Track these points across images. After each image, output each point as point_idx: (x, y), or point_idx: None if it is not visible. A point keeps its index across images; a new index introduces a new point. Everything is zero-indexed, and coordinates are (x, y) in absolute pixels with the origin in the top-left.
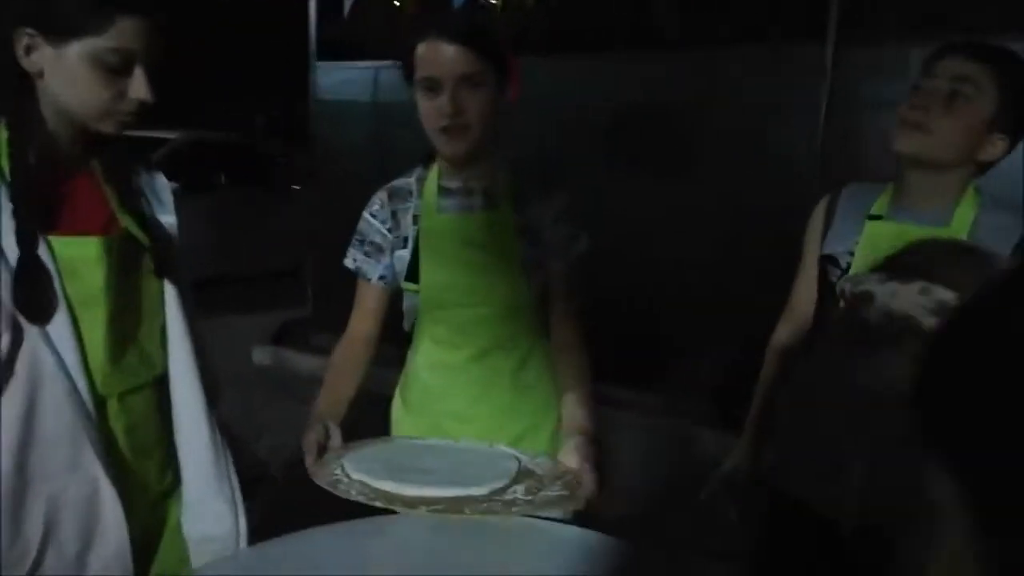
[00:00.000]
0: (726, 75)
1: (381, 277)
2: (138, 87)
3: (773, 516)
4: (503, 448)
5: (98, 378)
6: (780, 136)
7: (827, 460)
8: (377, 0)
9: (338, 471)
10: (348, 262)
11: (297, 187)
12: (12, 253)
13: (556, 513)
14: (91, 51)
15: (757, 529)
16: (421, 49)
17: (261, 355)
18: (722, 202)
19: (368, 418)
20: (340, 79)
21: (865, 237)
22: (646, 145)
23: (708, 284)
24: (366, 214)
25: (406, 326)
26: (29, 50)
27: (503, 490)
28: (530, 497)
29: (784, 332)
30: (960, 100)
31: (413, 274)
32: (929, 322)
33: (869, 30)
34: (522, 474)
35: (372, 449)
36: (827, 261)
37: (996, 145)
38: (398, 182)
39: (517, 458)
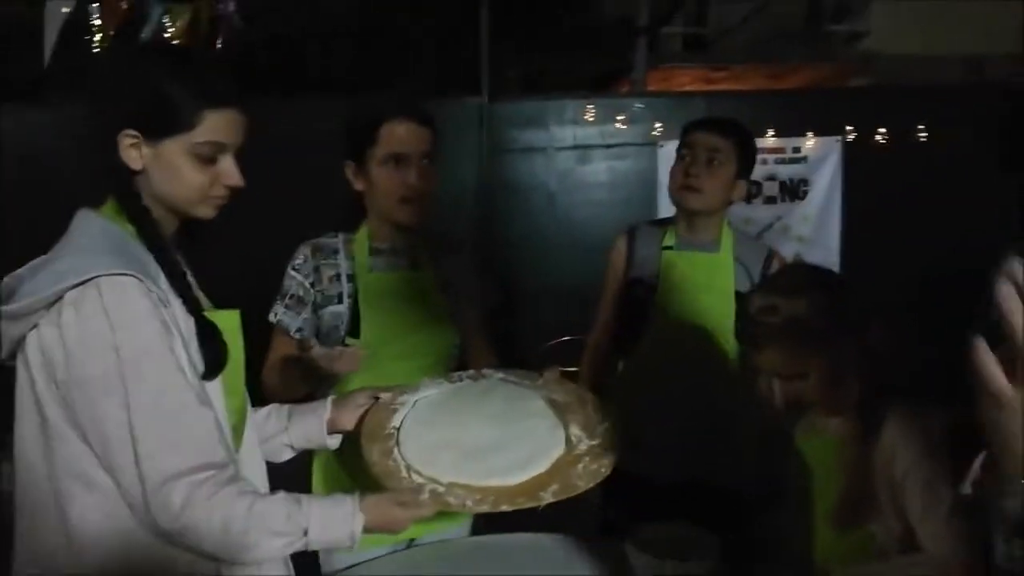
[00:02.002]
0: None
1: (299, 329)
2: (230, 173)
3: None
4: (514, 384)
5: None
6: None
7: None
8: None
9: (403, 470)
10: (271, 316)
11: None
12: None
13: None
14: (186, 146)
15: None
16: (388, 128)
17: None
18: None
19: None
20: None
21: (664, 262)
22: None
23: None
24: (289, 269)
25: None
26: (131, 150)
27: (569, 446)
28: (594, 441)
29: (595, 339)
30: (716, 164)
31: (354, 329)
32: (817, 320)
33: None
34: (558, 411)
35: (417, 430)
36: (636, 283)
37: (740, 188)
38: (322, 240)
39: (539, 396)
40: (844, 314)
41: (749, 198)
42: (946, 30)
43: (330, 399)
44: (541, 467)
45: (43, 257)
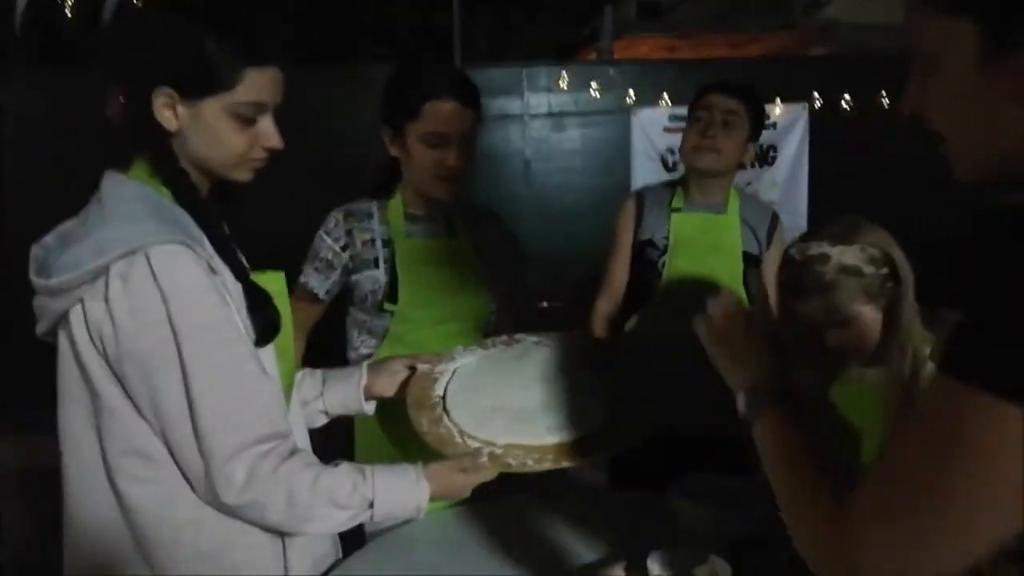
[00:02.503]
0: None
1: (328, 292)
2: (269, 135)
3: None
4: (548, 347)
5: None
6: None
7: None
8: None
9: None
10: (301, 277)
11: None
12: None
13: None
14: (226, 106)
15: None
16: (433, 106)
17: None
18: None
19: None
20: None
21: (674, 225)
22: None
23: None
24: (321, 233)
25: (351, 353)
26: (166, 109)
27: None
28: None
29: (605, 303)
30: (731, 126)
31: (391, 295)
32: (868, 269)
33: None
34: (595, 370)
35: (462, 397)
36: (646, 245)
37: (750, 151)
38: (355, 205)
39: (574, 356)
40: (892, 264)
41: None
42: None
43: (365, 365)
44: (593, 423)
45: (70, 223)
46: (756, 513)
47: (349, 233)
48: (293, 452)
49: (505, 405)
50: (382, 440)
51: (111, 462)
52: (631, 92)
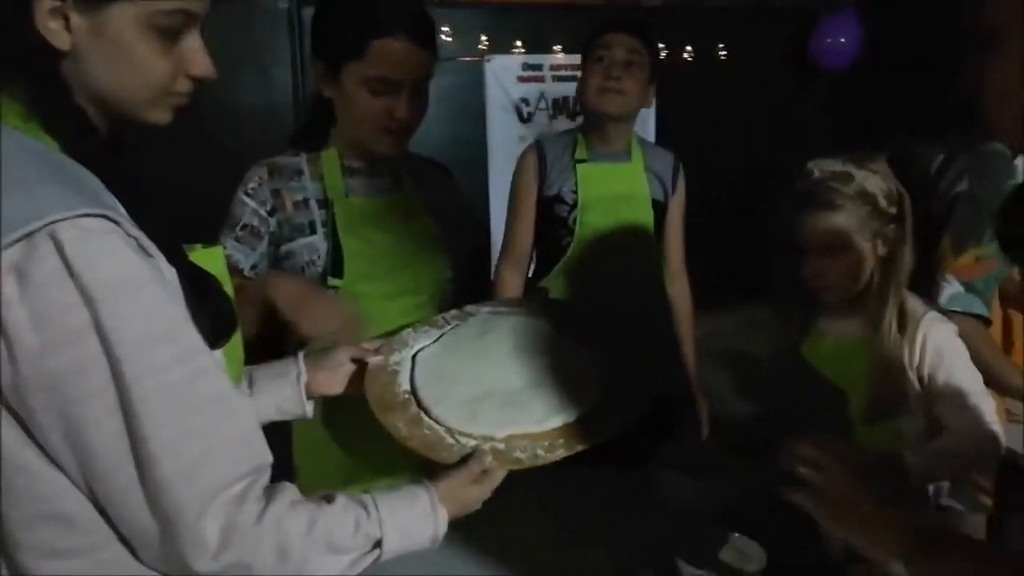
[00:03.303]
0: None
1: (253, 267)
2: (197, 58)
3: None
4: (507, 315)
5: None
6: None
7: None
8: None
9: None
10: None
11: None
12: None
13: None
14: (143, 14)
15: None
16: (381, 44)
17: None
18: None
19: None
20: None
21: (581, 177)
22: None
23: None
24: (240, 194)
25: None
26: (53, 18)
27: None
28: None
29: (510, 267)
30: (635, 67)
31: (335, 267)
32: (883, 203)
33: None
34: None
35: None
36: (553, 200)
37: (651, 93)
38: (280, 159)
39: (542, 323)
40: (903, 206)
41: (569, 113)
42: None
43: (301, 358)
44: (591, 397)
45: None
46: (742, 482)
47: (276, 194)
48: (277, 488)
49: (488, 391)
50: (328, 444)
51: (14, 536)
52: (483, 38)
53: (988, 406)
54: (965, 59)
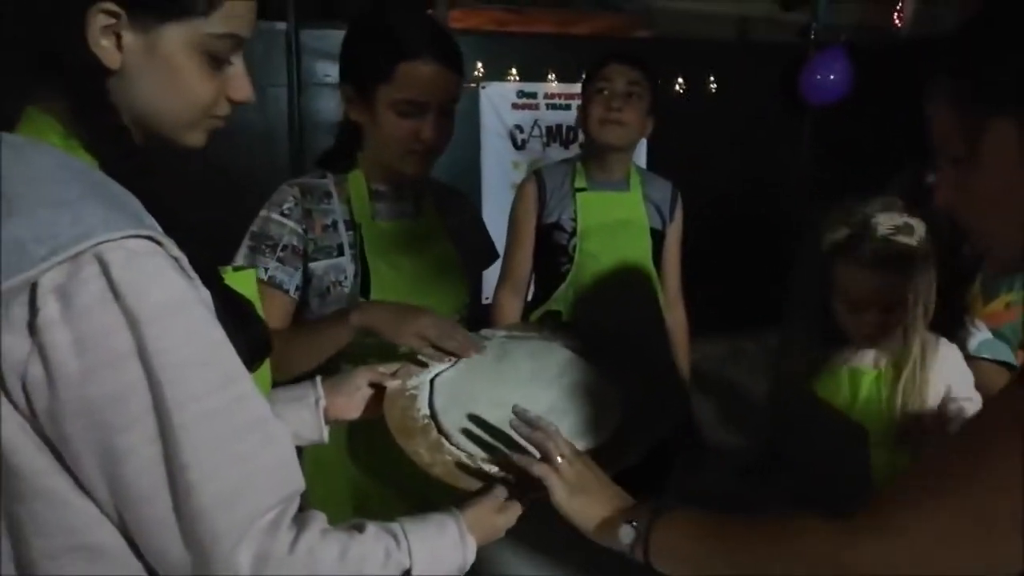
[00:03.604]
0: None
1: (297, 288)
2: (241, 83)
3: None
4: (522, 339)
5: None
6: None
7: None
8: None
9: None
10: (260, 273)
11: None
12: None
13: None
14: (195, 37)
15: None
16: (409, 67)
17: None
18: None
19: None
20: None
21: (581, 204)
22: None
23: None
24: (274, 214)
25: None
26: (106, 36)
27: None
28: None
29: (509, 294)
30: (635, 98)
31: (364, 290)
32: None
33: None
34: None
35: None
36: (553, 228)
37: (649, 124)
38: (309, 180)
39: (558, 346)
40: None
41: (563, 141)
42: None
43: (319, 382)
44: (615, 420)
45: None
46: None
47: (308, 215)
48: (301, 515)
49: (509, 416)
50: (336, 465)
51: (41, 566)
52: (479, 65)
53: None
54: None
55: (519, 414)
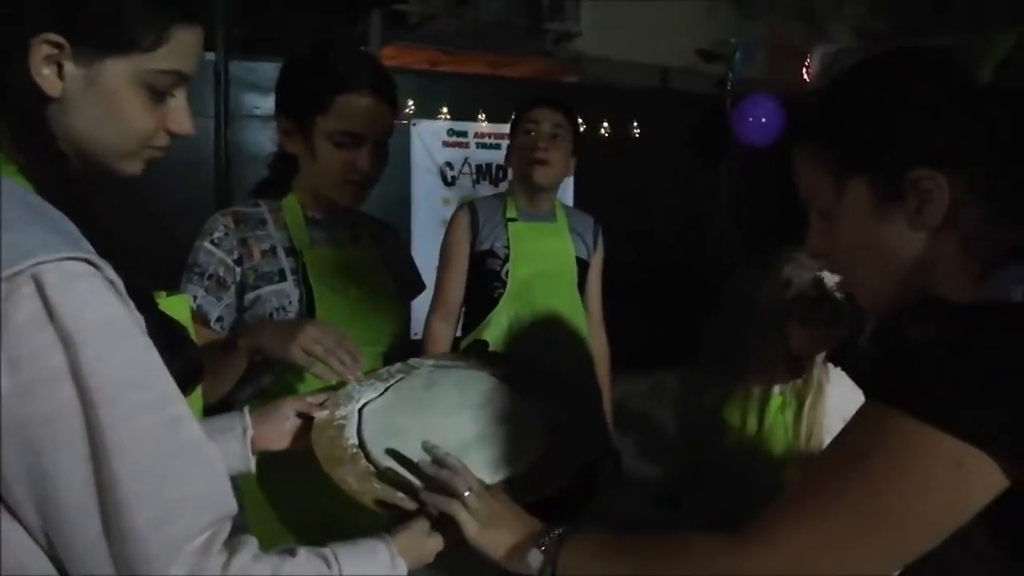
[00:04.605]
0: None
1: (219, 319)
2: (180, 118)
3: None
4: (449, 368)
5: None
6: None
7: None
8: None
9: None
10: (190, 301)
11: None
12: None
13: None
14: (138, 72)
15: None
16: (347, 100)
17: None
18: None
19: None
20: None
21: (513, 233)
22: None
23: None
24: (205, 243)
25: (240, 392)
26: (47, 65)
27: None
28: None
29: (441, 320)
30: (559, 140)
31: (311, 313)
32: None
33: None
34: (513, 387)
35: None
36: (486, 255)
37: (572, 163)
38: (242, 208)
39: (485, 376)
40: None
41: (491, 179)
42: (641, 39)
43: (246, 412)
44: (539, 447)
45: None
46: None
47: (244, 243)
48: (232, 540)
49: (440, 445)
50: (274, 497)
51: None
52: (410, 102)
53: None
54: None
55: (428, 451)
